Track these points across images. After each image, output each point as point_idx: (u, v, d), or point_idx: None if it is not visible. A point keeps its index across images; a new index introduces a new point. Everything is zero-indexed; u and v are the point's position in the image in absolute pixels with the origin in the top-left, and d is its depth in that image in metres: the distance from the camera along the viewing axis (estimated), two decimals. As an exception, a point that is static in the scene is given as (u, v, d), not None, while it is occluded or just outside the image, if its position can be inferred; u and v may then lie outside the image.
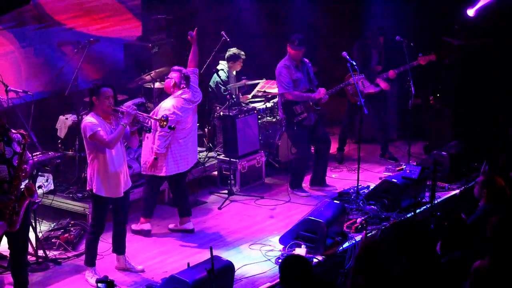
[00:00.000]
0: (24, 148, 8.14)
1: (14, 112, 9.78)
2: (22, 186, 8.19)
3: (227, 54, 12.59)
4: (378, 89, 12.60)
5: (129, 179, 9.17)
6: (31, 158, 8.71)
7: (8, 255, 8.93)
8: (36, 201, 8.74)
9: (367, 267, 6.84)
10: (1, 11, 9.11)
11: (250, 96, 13.15)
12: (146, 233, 10.34)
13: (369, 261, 6.84)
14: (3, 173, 8.08)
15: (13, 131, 8.20)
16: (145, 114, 9.19)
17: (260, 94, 13.26)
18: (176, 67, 10.45)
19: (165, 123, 9.14)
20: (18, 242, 8.39)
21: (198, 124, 12.87)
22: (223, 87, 12.41)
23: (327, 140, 11.76)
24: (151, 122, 9.15)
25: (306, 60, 11.49)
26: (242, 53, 12.62)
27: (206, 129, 12.83)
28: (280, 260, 9.29)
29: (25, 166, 8.18)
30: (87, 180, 9.00)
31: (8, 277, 8.80)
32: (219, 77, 12.36)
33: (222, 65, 12.62)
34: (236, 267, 8.72)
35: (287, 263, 6.82)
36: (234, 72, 12.79)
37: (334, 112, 13.80)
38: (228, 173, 11.79)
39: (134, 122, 8.87)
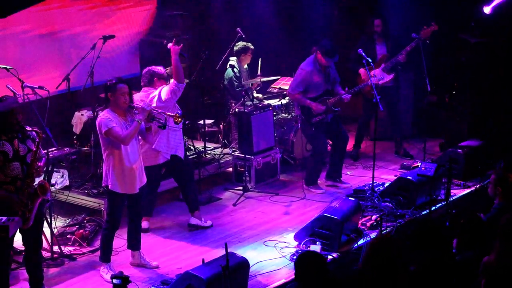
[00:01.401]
0: (38, 146, 8.15)
1: (30, 108, 9.79)
2: (36, 183, 8.22)
3: (235, 49, 12.57)
4: (392, 76, 12.44)
5: (144, 175, 9.18)
6: (44, 155, 8.73)
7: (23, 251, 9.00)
8: (49, 199, 8.75)
9: (377, 262, 6.83)
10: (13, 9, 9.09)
11: (261, 96, 13.14)
12: (143, 232, 10.09)
13: (379, 256, 6.84)
14: (17, 171, 8.09)
15: (28, 128, 8.22)
16: (160, 110, 9.19)
17: (275, 90, 13.25)
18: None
19: (179, 119, 9.14)
20: (31, 239, 8.43)
21: (213, 121, 12.97)
22: (236, 83, 12.41)
23: (345, 135, 11.73)
24: (165, 118, 9.16)
25: None
26: (250, 44, 12.61)
27: (221, 126, 12.85)
28: (295, 257, 9.31)
29: (39, 163, 8.20)
30: (103, 177, 9.01)
31: (23, 273, 8.82)
32: (234, 73, 12.36)
33: (233, 61, 12.60)
34: (250, 263, 8.71)
35: (303, 260, 6.82)
36: (246, 66, 12.77)
37: (350, 109, 13.76)
38: (243, 169, 11.79)
39: (149, 118, 8.89)
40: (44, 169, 8.71)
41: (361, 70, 12.20)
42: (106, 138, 8.78)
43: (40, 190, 8.11)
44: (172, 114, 9.18)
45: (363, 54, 11.18)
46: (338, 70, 11.64)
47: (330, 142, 11.99)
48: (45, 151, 9.03)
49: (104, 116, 8.79)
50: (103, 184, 9.07)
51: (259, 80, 12.75)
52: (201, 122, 12.55)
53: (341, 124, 11.76)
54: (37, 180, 8.29)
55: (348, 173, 12.35)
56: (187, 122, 11.73)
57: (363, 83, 11.89)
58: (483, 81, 12.87)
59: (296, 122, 12.43)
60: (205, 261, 8.28)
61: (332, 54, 11.16)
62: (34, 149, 8.12)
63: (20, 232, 8.32)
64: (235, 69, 12.37)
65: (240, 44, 12.57)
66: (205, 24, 14.08)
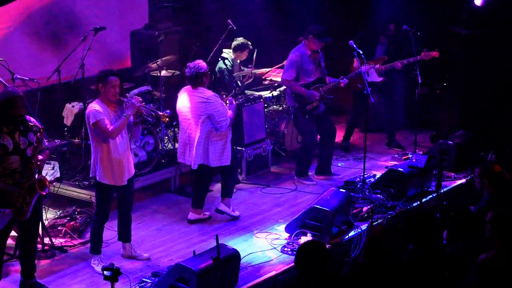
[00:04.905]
0: (39, 141, 8.12)
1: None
2: (37, 175, 8.21)
3: (235, 43, 12.52)
4: (381, 79, 12.52)
5: (132, 166, 9.15)
6: (48, 148, 8.68)
7: (15, 243, 9.00)
8: (48, 195, 8.74)
9: (378, 254, 6.85)
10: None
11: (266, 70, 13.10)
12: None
13: (379, 248, 6.86)
14: (16, 164, 8.05)
15: (31, 122, 8.18)
16: (149, 108, 9.20)
17: (266, 82, 13.23)
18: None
19: (167, 119, 9.15)
20: (28, 230, 8.42)
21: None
22: (227, 76, 12.37)
23: (333, 129, 11.75)
24: (154, 115, 9.17)
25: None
26: (249, 42, 12.58)
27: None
28: (285, 249, 9.36)
29: (40, 157, 8.14)
30: (91, 168, 9.00)
31: (15, 265, 8.82)
32: (226, 65, 12.33)
33: (227, 53, 12.55)
34: (242, 255, 8.75)
35: (305, 249, 6.83)
36: (238, 61, 12.75)
37: (341, 101, 13.77)
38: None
39: (137, 114, 8.87)
40: (45, 162, 8.62)
41: (355, 59, 12.14)
42: (94, 129, 8.76)
43: (39, 185, 8.09)
44: (161, 113, 9.20)
45: (354, 46, 11.17)
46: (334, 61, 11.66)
47: (319, 136, 11.98)
48: (47, 143, 9.01)
49: (93, 107, 8.76)
50: (91, 175, 9.05)
51: (249, 71, 12.73)
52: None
53: (330, 117, 11.78)
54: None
55: (339, 164, 12.36)
56: (174, 123, 11.69)
57: (352, 73, 11.83)
58: (474, 73, 12.88)
59: (287, 114, 12.42)
60: (196, 253, 8.31)
61: (325, 35, 11.22)
62: (35, 144, 8.08)
63: (18, 223, 8.31)
64: (226, 61, 12.35)
65: (240, 40, 12.49)
66: (196, 16, 14.06)
